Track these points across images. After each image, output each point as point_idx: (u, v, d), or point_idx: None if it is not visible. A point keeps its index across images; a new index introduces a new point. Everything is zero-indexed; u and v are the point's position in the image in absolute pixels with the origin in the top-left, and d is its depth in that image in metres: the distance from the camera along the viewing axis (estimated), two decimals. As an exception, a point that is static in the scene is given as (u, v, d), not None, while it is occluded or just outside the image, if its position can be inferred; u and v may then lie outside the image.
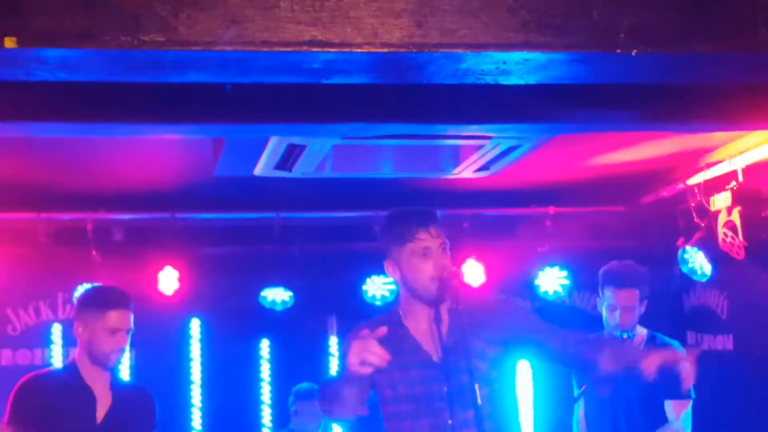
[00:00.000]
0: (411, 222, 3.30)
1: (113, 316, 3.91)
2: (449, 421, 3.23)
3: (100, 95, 3.03)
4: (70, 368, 4.02)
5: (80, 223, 5.85)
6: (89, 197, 5.73)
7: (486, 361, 3.31)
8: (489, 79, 2.83)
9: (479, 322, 3.28)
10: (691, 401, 4.67)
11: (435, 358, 3.31)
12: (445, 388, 3.24)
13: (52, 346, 6.15)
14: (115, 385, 4.04)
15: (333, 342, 6.63)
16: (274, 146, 4.57)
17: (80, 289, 5.71)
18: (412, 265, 3.29)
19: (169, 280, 6.00)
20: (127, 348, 3.99)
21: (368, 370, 3.01)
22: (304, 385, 6.02)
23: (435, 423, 3.26)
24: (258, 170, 5.03)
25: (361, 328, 3.30)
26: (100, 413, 3.94)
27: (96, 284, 4.85)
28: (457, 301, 3.19)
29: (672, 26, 2.62)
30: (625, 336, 4.60)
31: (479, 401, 3.12)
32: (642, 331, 4.74)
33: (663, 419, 4.68)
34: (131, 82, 2.83)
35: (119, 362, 4.00)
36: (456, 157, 4.95)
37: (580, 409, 4.79)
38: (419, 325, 3.35)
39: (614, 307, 4.66)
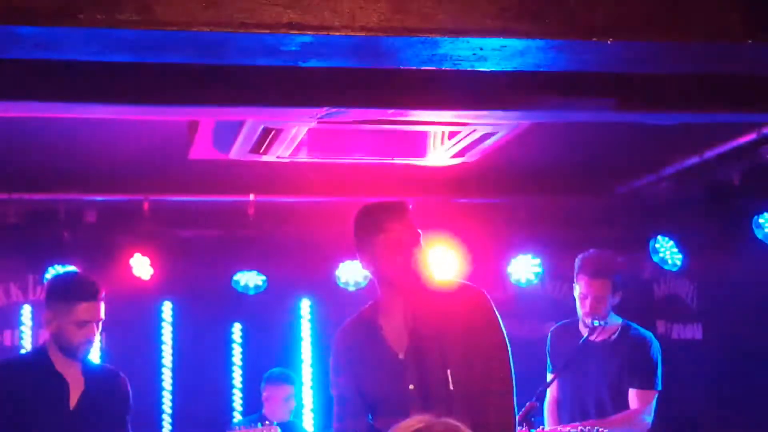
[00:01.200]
0: (382, 214, 3.34)
1: (82, 308, 3.79)
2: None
3: (76, 74, 3.01)
4: (40, 354, 3.93)
5: (52, 205, 5.82)
6: (61, 178, 5.69)
7: (458, 348, 3.32)
8: (466, 65, 2.84)
9: (452, 316, 3.32)
10: (657, 392, 4.72)
11: (400, 355, 3.32)
12: (411, 386, 3.27)
13: (22, 328, 6.12)
14: (87, 369, 3.93)
15: (305, 327, 6.63)
16: (249, 129, 4.55)
17: (51, 273, 5.67)
18: (384, 257, 3.31)
19: (141, 263, 5.97)
20: (97, 339, 3.87)
21: None
22: (275, 371, 6.03)
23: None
24: (233, 153, 5.01)
25: (344, 329, 3.36)
26: (73, 399, 3.84)
27: (67, 271, 4.76)
28: (426, 291, 3.22)
29: (647, 15, 2.63)
30: (596, 324, 4.64)
31: (451, 387, 3.14)
32: (616, 321, 4.78)
33: (628, 406, 4.73)
34: (107, 61, 2.81)
35: (88, 353, 3.87)
36: (431, 143, 4.96)
37: (549, 395, 4.83)
38: (392, 319, 3.37)
39: (585, 295, 4.70)
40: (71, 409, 3.83)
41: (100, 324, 3.86)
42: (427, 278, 3.30)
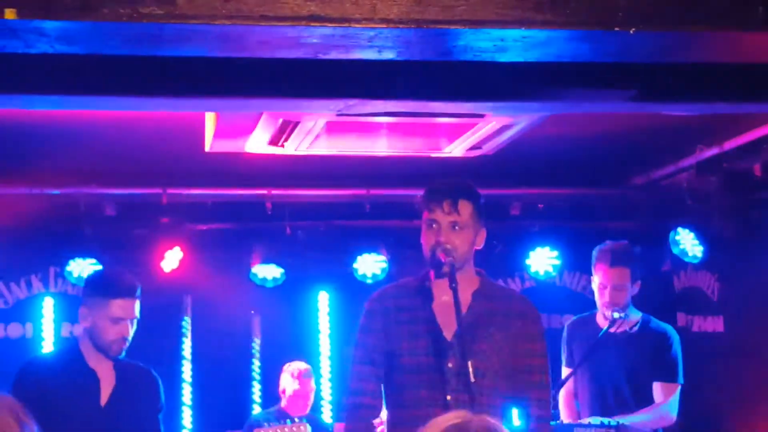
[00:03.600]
0: (433, 193, 3.35)
1: (117, 304, 3.78)
2: (448, 397, 3.23)
3: (98, 68, 3.02)
4: (72, 349, 3.93)
5: (72, 198, 5.85)
6: (81, 172, 5.72)
7: (492, 350, 3.33)
8: (486, 56, 2.84)
9: (500, 320, 3.35)
10: (680, 386, 4.70)
11: (447, 335, 3.31)
12: (450, 365, 3.25)
13: (43, 320, 6.15)
14: (119, 366, 3.89)
15: (324, 319, 6.65)
16: (267, 122, 4.56)
17: (71, 266, 5.70)
18: (422, 233, 3.36)
19: (160, 256, 5.99)
20: (131, 337, 3.83)
21: None
22: (294, 364, 6.05)
23: (433, 396, 3.26)
24: (250, 146, 5.02)
25: (385, 292, 3.36)
26: (104, 395, 3.83)
27: (107, 268, 4.76)
28: (452, 280, 3.21)
29: (670, 5, 2.62)
30: (617, 316, 4.61)
31: (472, 379, 3.14)
32: (636, 315, 4.77)
33: (651, 401, 4.72)
34: (129, 55, 2.82)
35: (121, 351, 3.83)
36: (449, 135, 4.95)
37: (564, 388, 4.81)
38: (441, 296, 3.34)
39: (604, 285, 4.68)
40: (102, 405, 3.81)
41: (135, 322, 3.83)
42: (474, 272, 3.26)
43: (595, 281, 4.74)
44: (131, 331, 3.83)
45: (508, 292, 3.52)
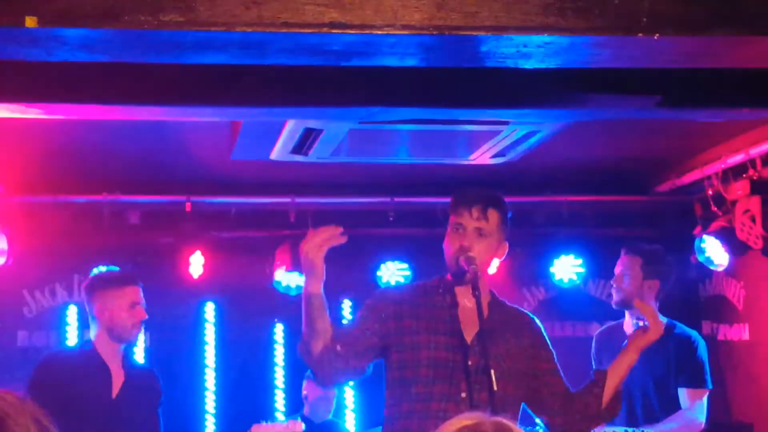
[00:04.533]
0: (462, 197, 3.35)
1: (131, 290, 4.24)
2: (463, 395, 3.23)
3: (120, 76, 3.03)
4: (88, 348, 4.30)
5: (96, 206, 5.87)
6: (105, 180, 5.75)
7: (508, 354, 3.35)
8: (509, 63, 2.82)
9: (513, 328, 3.40)
10: (708, 391, 4.65)
11: (467, 337, 3.31)
12: (470, 362, 3.25)
13: (68, 328, 6.18)
14: (128, 364, 4.35)
15: (347, 327, 6.63)
16: (290, 130, 4.57)
17: (93, 273, 5.73)
18: (446, 236, 3.37)
19: (184, 264, 6.01)
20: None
21: (320, 254, 3.26)
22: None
23: (448, 393, 3.25)
24: (274, 154, 5.03)
25: (403, 286, 3.34)
26: (115, 389, 4.23)
27: (103, 269, 5.16)
28: (475, 287, 3.20)
29: (694, 10, 2.59)
30: (634, 323, 4.59)
31: (495, 387, 3.12)
32: (661, 320, 4.73)
33: (677, 407, 4.66)
34: (150, 63, 2.82)
35: (137, 336, 4.32)
36: (473, 142, 4.93)
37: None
38: (463, 300, 3.35)
39: (616, 273, 4.70)
40: (113, 397, 4.22)
41: (144, 307, 4.28)
42: (473, 274, 3.26)
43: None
44: (145, 314, 4.27)
45: (513, 307, 3.56)
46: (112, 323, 4.20)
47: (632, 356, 3.45)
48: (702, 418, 4.64)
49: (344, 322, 3.42)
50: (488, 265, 3.43)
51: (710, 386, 4.66)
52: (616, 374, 3.45)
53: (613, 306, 4.76)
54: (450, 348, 3.30)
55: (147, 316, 4.26)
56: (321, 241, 3.24)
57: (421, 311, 3.37)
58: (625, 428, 4.36)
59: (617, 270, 4.75)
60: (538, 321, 3.53)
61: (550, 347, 3.49)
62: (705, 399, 4.64)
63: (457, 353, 3.28)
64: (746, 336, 5.86)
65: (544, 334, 3.50)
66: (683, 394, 4.63)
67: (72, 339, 6.14)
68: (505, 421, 1.77)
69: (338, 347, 3.31)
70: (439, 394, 3.26)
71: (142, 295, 4.28)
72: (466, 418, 1.75)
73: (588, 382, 3.48)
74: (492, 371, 3.13)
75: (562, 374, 3.47)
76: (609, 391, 3.42)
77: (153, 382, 4.44)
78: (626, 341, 3.50)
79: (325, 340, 3.31)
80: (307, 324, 3.30)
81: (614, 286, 4.74)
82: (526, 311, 3.58)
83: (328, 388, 5.21)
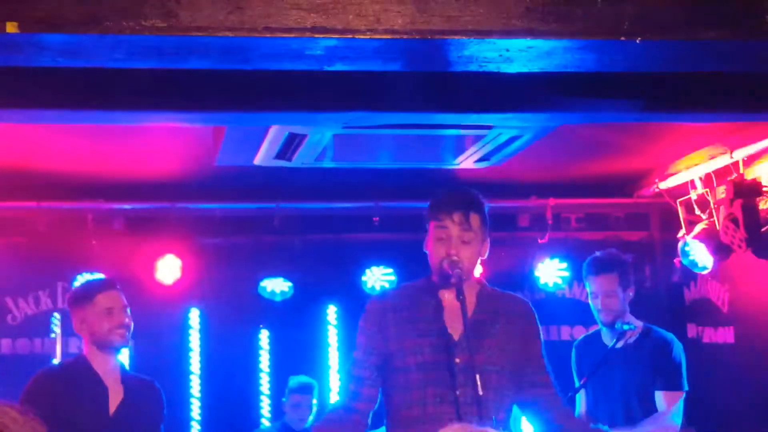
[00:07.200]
0: (442, 202, 3.33)
1: (102, 297, 4.02)
2: (457, 392, 3.22)
3: (102, 82, 3.02)
4: (81, 361, 4.07)
5: (80, 213, 5.85)
6: (89, 186, 5.72)
7: (498, 346, 3.34)
8: (492, 67, 2.82)
9: (504, 319, 3.37)
10: (684, 393, 4.66)
11: (454, 335, 3.30)
12: (458, 360, 3.24)
13: (52, 336, 6.14)
14: (126, 378, 4.10)
15: (332, 333, 6.62)
16: (274, 135, 4.56)
17: (79, 281, 5.71)
18: (428, 243, 3.35)
19: (168, 270, 5.99)
20: (131, 325, 4.06)
21: None
22: (296, 379, 6.04)
23: (441, 393, 3.25)
24: (258, 160, 5.02)
25: (385, 292, 3.31)
26: (113, 405, 3.99)
27: (87, 276, 4.99)
28: (459, 291, 3.20)
29: (676, 14, 2.60)
30: (619, 327, 4.60)
31: (480, 392, 3.11)
32: (638, 324, 4.74)
33: (656, 410, 4.67)
34: (133, 68, 2.81)
35: (127, 340, 4.05)
36: (457, 147, 4.94)
37: (582, 401, 4.79)
38: (449, 300, 3.34)
39: (596, 293, 4.69)
40: (110, 415, 3.98)
41: (128, 310, 4.06)
42: (458, 278, 3.25)
43: (589, 295, 4.76)
44: (128, 319, 4.05)
45: (508, 294, 3.53)
46: (93, 335, 4.01)
47: None
48: (678, 422, 4.64)
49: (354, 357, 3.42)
50: (474, 267, 3.41)
51: (686, 388, 4.66)
52: None
53: (603, 325, 4.74)
54: (437, 349, 3.29)
55: (127, 320, 4.04)
56: None
57: (405, 315, 3.37)
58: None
59: (596, 290, 4.70)
60: (532, 311, 3.48)
61: (541, 339, 3.46)
62: (681, 401, 4.65)
63: (444, 353, 3.27)
64: (731, 339, 5.88)
65: (538, 326, 3.46)
66: (659, 397, 4.63)
67: (57, 347, 6.09)
68: (489, 430, 1.77)
69: (358, 406, 3.36)
70: (433, 396, 3.26)
71: (121, 297, 4.07)
72: (450, 430, 1.75)
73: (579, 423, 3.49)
74: (477, 376, 3.12)
75: (550, 371, 3.45)
76: None
77: (154, 396, 4.19)
78: None
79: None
80: None
81: (601, 308, 4.69)
82: (522, 299, 3.54)
83: None
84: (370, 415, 3.38)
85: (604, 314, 4.67)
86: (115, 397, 4.00)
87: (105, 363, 4.02)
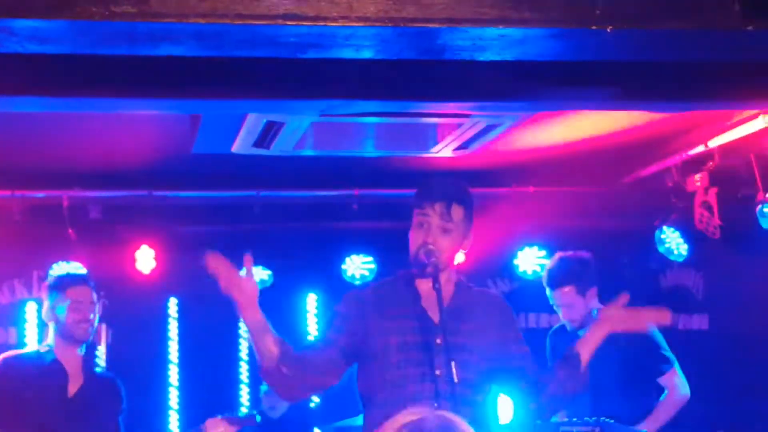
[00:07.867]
0: (425, 192, 3.33)
1: (72, 291, 4.30)
2: (437, 372, 3.23)
3: (72, 68, 2.99)
4: (46, 351, 4.38)
5: (55, 201, 5.80)
6: (64, 174, 5.68)
7: (477, 330, 3.36)
8: (465, 55, 2.82)
9: (481, 309, 3.40)
10: (673, 366, 4.69)
11: (433, 318, 3.31)
12: (439, 341, 3.24)
13: (27, 325, 6.10)
14: (88, 368, 4.45)
15: (312, 321, 6.62)
16: (252, 123, 4.55)
17: (55, 270, 5.69)
18: (411, 230, 3.34)
19: (146, 259, 5.96)
20: (96, 321, 4.36)
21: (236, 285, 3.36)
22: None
23: (423, 372, 3.26)
24: (236, 147, 5.01)
25: (365, 284, 3.32)
26: (72, 389, 4.30)
27: (63, 265, 5.34)
28: (435, 280, 3.21)
29: (647, 3, 2.61)
30: (581, 334, 4.62)
31: (456, 379, 3.13)
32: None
33: (642, 400, 4.70)
34: (103, 54, 2.79)
35: (89, 335, 4.32)
36: (435, 135, 4.94)
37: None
38: (427, 289, 3.34)
39: (557, 305, 4.73)
40: (69, 397, 4.28)
41: (95, 307, 4.34)
42: (434, 267, 3.26)
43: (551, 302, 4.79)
44: (92, 315, 4.32)
45: (484, 290, 3.61)
46: (57, 324, 4.28)
47: (603, 331, 3.46)
48: (685, 391, 4.68)
49: (310, 338, 3.43)
50: (453, 258, 3.42)
51: (674, 359, 4.71)
52: (586, 349, 3.45)
53: (570, 331, 4.76)
54: (417, 331, 3.30)
55: (91, 316, 4.29)
56: (228, 275, 3.24)
57: (384, 303, 3.39)
58: (586, 417, 4.38)
59: (556, 302, 4.72)
60: (508, 305, 3.52)
61: (518, 328, 3.51)
62: (679, 371, 4.68)
63: (424, 334, 3.29)
64: (706, 326, 5.93)
65: (513, 315, 3.51)
66: (661, 381, 4.68)
67: (31, 336, 6.07)
68: (448, 414, 1.77)
69: (283, 369, 3.28)
70: (414, 376, 3.27)
71: (90, 294, 4.34)
72: (410, 414, 1.76)
73: (560, 360, 3.49)
74: (453, 363, 3.13)
75: (530, 356, 3.49)
76: (582, 366, 3.44)
77: (114, 388, 4.49)
78: (596, 319, 3.54)
79: (270, 362, 3.29)
80: (253, 347, 3.34)
81: (564, 319, 4.73)
82: (495, 292, 3.61)
83: (291, 402, 5.03)
84: (296, 367, 3.33)
85: (568, 324, 4.72)
86: (75, 383, 4.29)
87: (68, 353, 4.30)
